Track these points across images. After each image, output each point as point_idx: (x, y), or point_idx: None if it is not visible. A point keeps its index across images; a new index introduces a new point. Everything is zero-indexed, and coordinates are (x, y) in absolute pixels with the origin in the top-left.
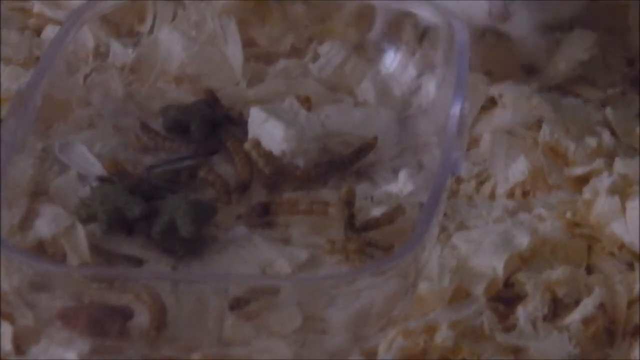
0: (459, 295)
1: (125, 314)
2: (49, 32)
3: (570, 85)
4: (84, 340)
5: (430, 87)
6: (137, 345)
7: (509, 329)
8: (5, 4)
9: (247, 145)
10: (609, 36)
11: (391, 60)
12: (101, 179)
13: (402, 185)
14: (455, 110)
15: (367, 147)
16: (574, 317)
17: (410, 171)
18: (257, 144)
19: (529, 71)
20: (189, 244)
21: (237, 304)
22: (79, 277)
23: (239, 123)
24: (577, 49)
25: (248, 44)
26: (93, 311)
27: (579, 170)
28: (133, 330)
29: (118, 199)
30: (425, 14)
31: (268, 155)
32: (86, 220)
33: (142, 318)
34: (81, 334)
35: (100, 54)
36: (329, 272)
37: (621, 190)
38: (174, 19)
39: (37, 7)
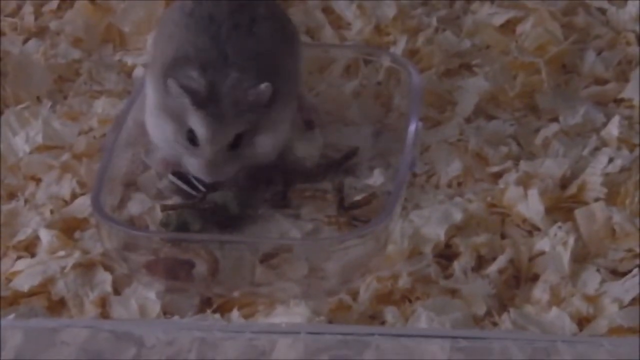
0: (414, 253)
1: (190, 265)
2: (137, 72)
3: (491, 111)
4: (161, 282)
5: (395, 113)
6: (197, 286)
7: (448, 276)
8: (110, 55)
9: None
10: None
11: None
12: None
13: (375, 179)
14: (412, 128)
15: (351, 153)
16: (492, 269)
17: (381, 169)
18: None
19: None
20: (233, 219)
21: (264, 258)
22: (157, 240)
23: None
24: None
25: None
26: (168, 263)
27: (495, 169)
28: (195, 276)
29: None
30: (389, 59)
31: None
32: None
33: (201, 268)
34: (159, 279)
35: None
36: (327, 236)
37: (524, 182)
38: None
39: (130, 60)
